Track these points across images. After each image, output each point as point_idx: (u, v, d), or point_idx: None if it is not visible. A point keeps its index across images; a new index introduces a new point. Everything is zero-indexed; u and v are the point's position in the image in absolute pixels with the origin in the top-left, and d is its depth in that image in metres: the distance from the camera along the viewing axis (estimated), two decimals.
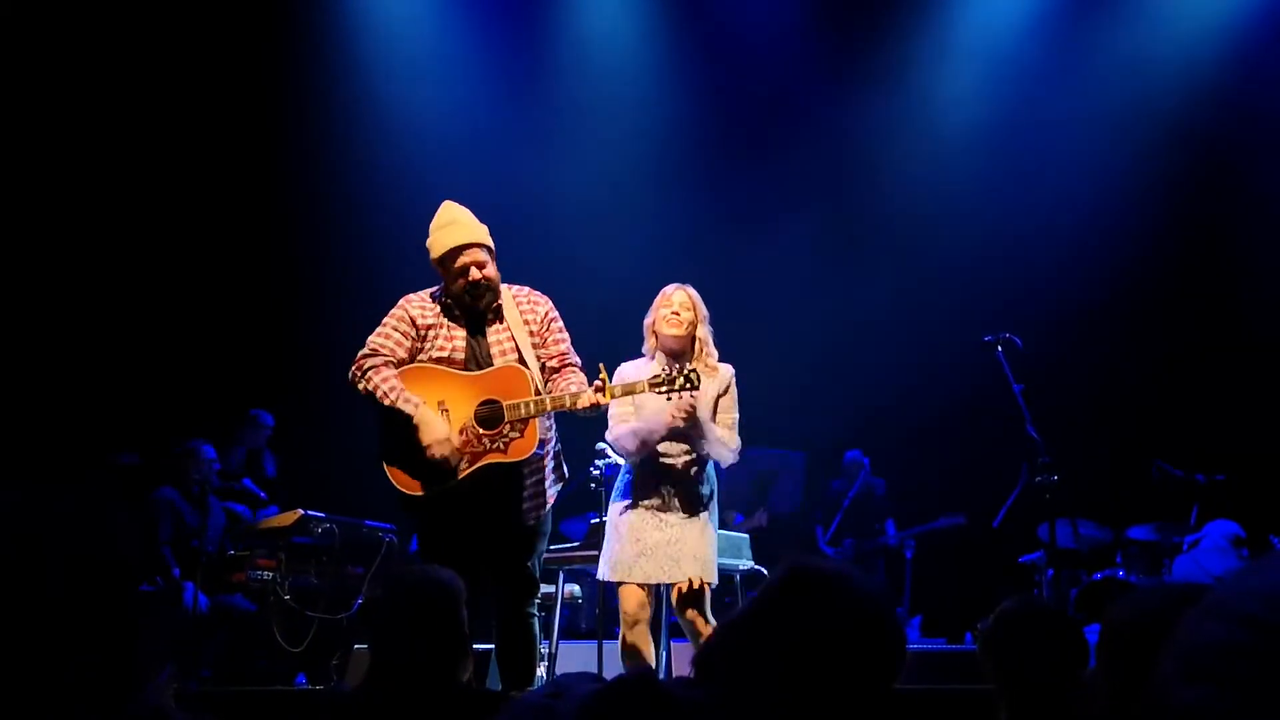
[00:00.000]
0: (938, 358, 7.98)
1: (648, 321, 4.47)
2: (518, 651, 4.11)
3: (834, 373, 8.27)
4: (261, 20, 7.82)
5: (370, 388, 3.98)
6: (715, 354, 4.48)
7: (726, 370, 4.48)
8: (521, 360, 4.05)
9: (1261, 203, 8.14)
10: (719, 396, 4.42)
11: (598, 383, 3.94)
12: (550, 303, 4.25)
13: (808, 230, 8.47)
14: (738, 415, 4.46)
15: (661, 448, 4.35)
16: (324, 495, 6.61)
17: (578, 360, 4.21)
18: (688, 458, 4.36)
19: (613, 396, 3.98)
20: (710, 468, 4.44)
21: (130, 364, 7.49)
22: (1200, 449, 7.28)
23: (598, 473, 5.15)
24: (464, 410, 3.98)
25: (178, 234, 7.73)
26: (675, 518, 4.31)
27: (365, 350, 4.06)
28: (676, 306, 4.41)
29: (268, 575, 5.99)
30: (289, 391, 7.82)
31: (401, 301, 4.18)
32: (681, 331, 4.39)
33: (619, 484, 4.48)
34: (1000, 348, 5.23)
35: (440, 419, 3.94)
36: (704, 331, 4.44)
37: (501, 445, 3.97)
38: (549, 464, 4.20)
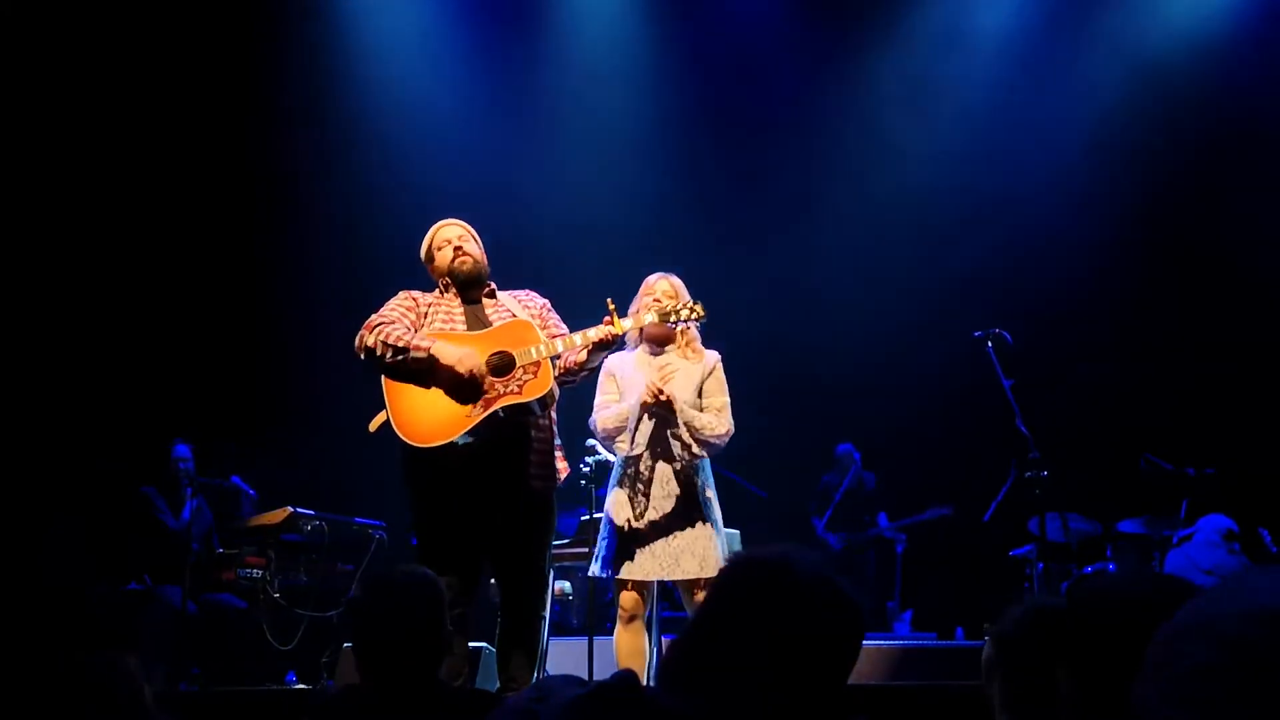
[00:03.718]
0: (928, 352, 7.99)
1: (631, 311, 4.42)
2: (521, 651, 4.03)
3: (825, 367, 8.27)
4: (251, 20, 7.79)
5: (381, 338, 3.97)
6: (698, 338, 4.47)
7: (712, 355, 4.47)
8: None
9: (1251, 197, 8.14)
10: (704, 381, 4.40)
11: (607, 318, 3.98)
12: (548, 301, 4.32)
13: (798, 224, 8.47)
14: (728, 399, 4.41)
15: (651, 439, 4.31)
16: (313, 492, 6.59)
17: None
18: (678, 450, 4.31)
19: (622, 330, 4.01)
20: (704, 462, 4.39)
21: (117, 364, 7.44)
22: (1190, 442, 7.29)
23: (588, 470, 5.15)
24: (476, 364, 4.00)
25: (163, 232, 7.68)
26: (671, 513, 4.26)
27: (370, 319, 4.08)
28: (659, 295, 4.39)
29: (257, 573, 5.98)
30: (281, 390, 7.80)
31: (401, 291, 4.24)
32: None
33: (611, 479, 4.44)
34: (990, 343, 5.23)
35: (457, 344, 3.97)
36: None
37: (516, 387, 3.95)
38: (556, 439, 4.18)
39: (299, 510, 6.08)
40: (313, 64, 8.06)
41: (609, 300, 4.03)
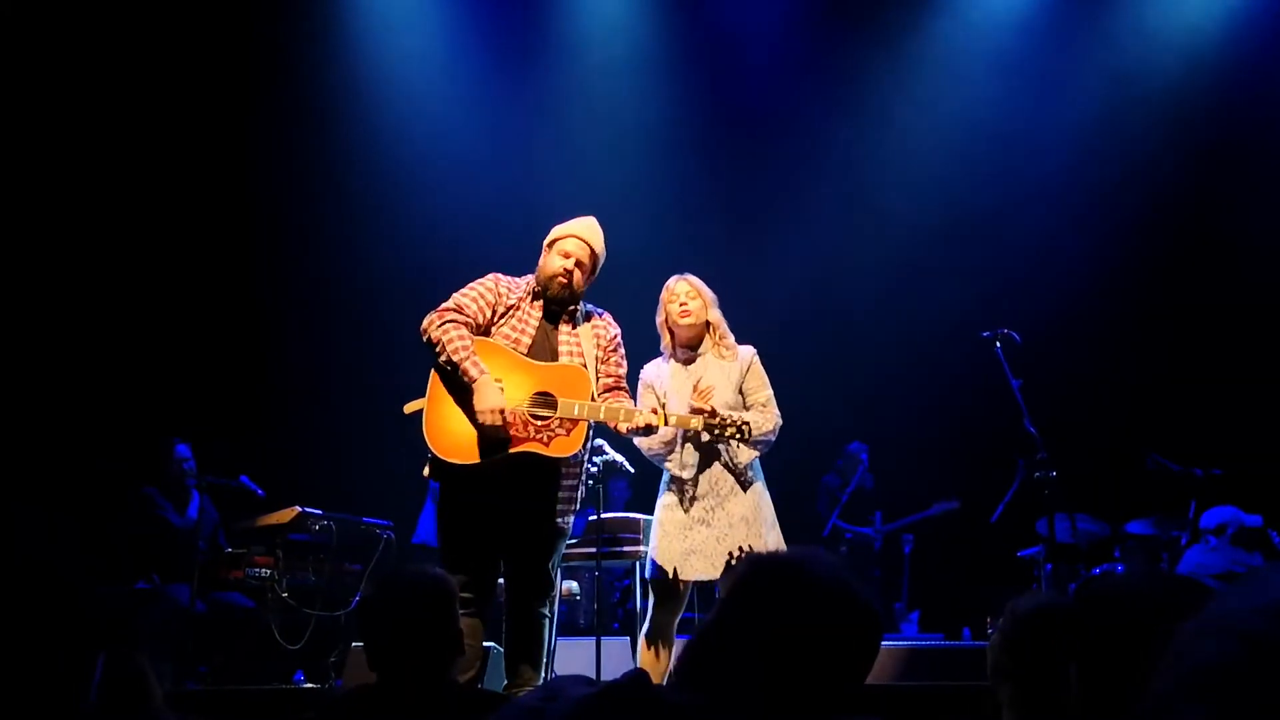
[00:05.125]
0: (936, 353, 7.98)
1: (660, 320, 4.47)
2: (527, 650, 4.09)
3: (832, 368, 8.26)
4: (254, 18, 7.80)
5: (444, 338, 3.97)
6: (731, 336, 4.47)
7: (747, 351, 4.46)
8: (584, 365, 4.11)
9: (1255, 196, 8.13)
10: (743, 378, 4.39)
11: (655, 406, 4.01)
12: (620, 331, 4.31)
13: (805, 224, 8.46)
14: (771, 392, 4.41)
15: (701, 455, 4.32)
16: (321, 492, 6.59)
17: (627, 390, 4.26)
18: (730, 455, 4.32)
19: (664, 423, 4.04)
20: (755, 461, 4.39)
21: (120, 365, 7.45)
22: (1197, 443, 7.27)
23: (595, 470, 5.15)
24: (519, 395, 3.99)
25: (165, 232, 7.69)
26: (721, 513, 4.29)
27: (449, 304, 4.08)
28: (683, 297, 4.41)
29: (265, 573, 5.98)
30: (289, 390, 7.81)
31: (493, 274, 4.23)
32: (694, 320, 4.39)
33: (662, 486, 4.45)
34: (999, 343, 5.22)
35: (499, 392, 3.94)
36: (715, 315, 4.45)
37: (545, 438, 3.96)
38: (584, 473, 4.22)
39: (307, 510, 6.09)
40: (316, 64, 8.07)
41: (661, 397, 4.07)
